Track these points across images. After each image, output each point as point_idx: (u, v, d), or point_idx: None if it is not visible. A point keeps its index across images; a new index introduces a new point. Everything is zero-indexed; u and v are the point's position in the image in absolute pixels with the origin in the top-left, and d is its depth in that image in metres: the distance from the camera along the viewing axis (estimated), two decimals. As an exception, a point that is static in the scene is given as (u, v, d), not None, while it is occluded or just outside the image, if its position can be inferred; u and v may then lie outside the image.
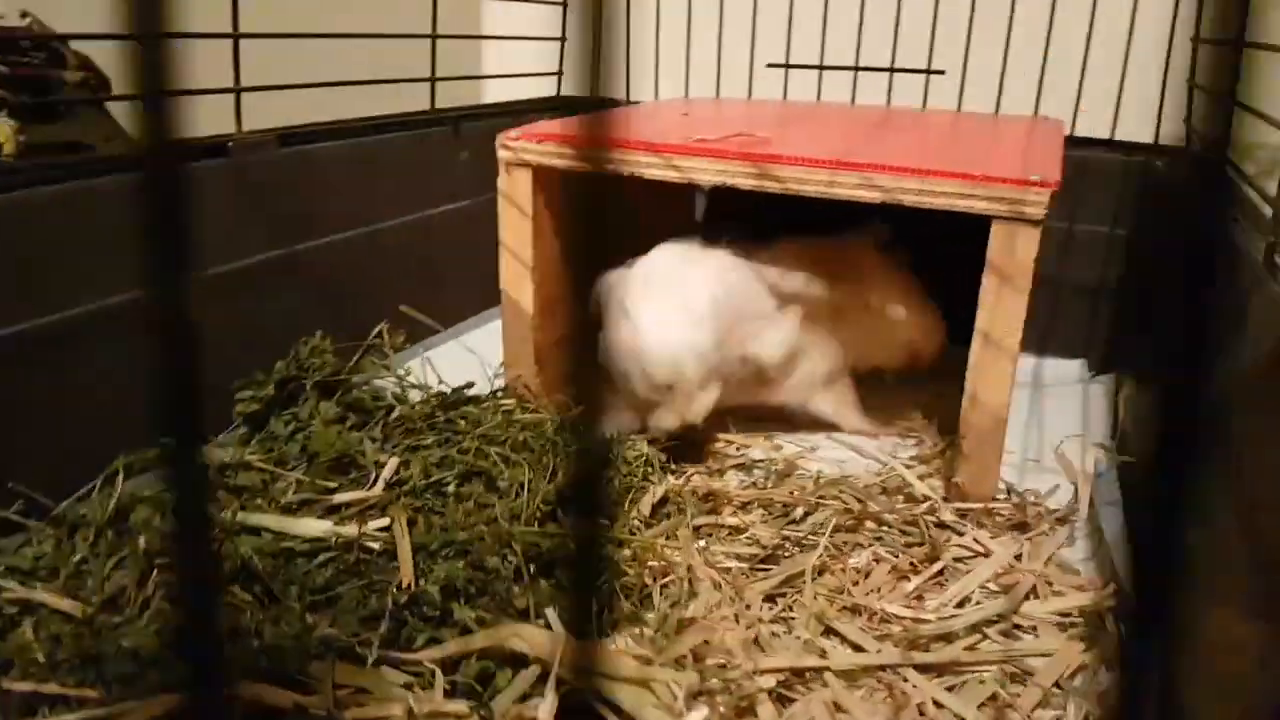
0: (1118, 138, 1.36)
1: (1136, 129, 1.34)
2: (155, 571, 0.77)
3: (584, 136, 0.97)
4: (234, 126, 1.04)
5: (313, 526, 0.85)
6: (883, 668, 0.71)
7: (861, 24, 1.46)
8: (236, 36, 1.02)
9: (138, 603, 0.74)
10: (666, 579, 0.80)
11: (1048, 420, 1.21)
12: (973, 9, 1.40)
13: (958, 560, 0.86)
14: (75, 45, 1.44)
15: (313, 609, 0.76)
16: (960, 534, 0.90)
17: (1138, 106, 1.33)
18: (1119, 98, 1.35)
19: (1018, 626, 0.78)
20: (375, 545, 0.83)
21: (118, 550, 0.79)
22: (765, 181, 0.94)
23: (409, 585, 0.78)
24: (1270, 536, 0.57)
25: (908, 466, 1.03)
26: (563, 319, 1.14)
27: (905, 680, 0.70)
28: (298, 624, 0.73)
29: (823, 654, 0.71)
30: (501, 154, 1.04)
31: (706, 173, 0.96)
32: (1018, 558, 0.86)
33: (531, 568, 0.78)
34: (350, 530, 0.84)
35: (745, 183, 0.95)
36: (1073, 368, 1.39)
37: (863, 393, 1.15)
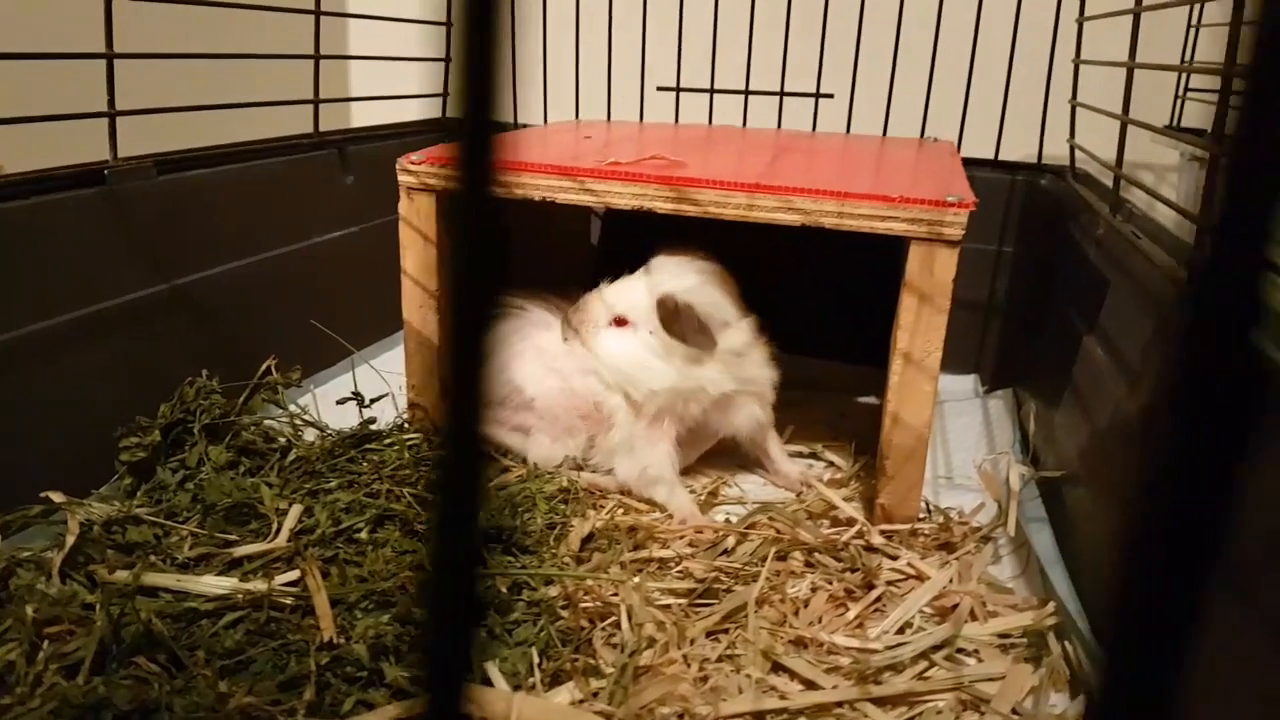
0: (1002, 157, 1.39)
1: (1020, 148, 1.38)
2: (46, 643, 0.69)
3: (494, 160, 0.91)
4: (109, 153, 0.97)
5: (215, 584, 0.79)
6: (840, 704, 0.69)
7: (750, 48, 1.46)
8: (110, 57, 0.94)
9: (29, 680, 0.66)
10: (606, 621, 0.77)
11: (950, 437, 1.23)
12: (859, 34, 1.42)
13: (892, 584, 0.85)
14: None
15: (225, 675, 0.69)
16: (891, 557, 0.89)
17: (1021, 127, 1.36)
18: (1002, 118, 1.38)
19: (960, 650, 0.77)
20: (287, 601, 0.78)
21: (1, 620, 0.71)
22: (683, 205, 0.92)
23: (331, 642, 0.72)
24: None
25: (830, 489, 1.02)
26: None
27: (865, 716, 0.68)
28: (210, 694, 0.67)
29: (781, 695, 0.68)
30: (403, 178, 0.99)
31: (622, 196, 0.94)
32: (952, 580, 0.86)
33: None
34: (258, 586, 0.78)
35: (663, 206, 0.93)
36: (966, 383, 1.42)
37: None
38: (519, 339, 1.06)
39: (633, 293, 1.00)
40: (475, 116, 0.19)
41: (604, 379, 1.01)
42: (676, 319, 0.96)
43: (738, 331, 0.99)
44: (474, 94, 0.18)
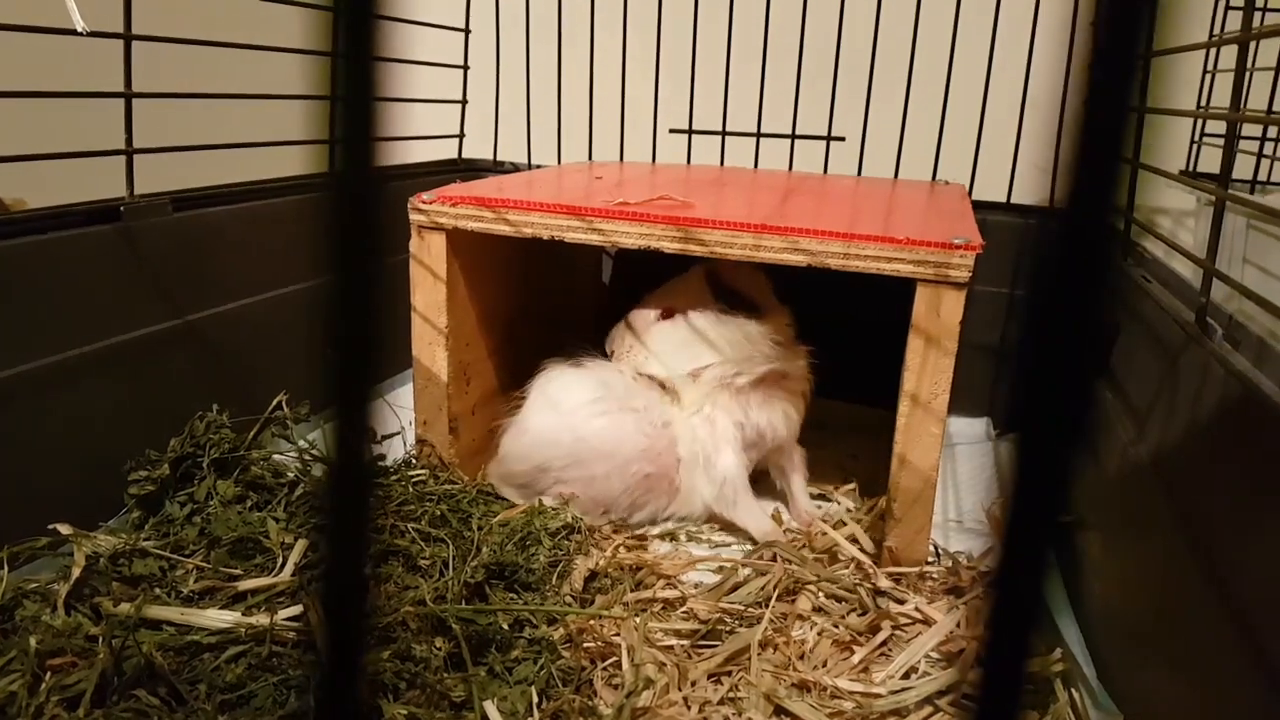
0: (1014, 201, 1.39)
1: (1035, 191, 1.38)
2: (49, 675, 0.69)
3: (502, 199, 0.95)
4: (125, 190, 0.98)
5: (218, 618, 0.79)
6: (840, 747, 0.68)
7: (762, 91, 1.48)
8: (129, 96, 0.96)
9: (30, 712, 0.66)
10: (607, 661, 0.76)
11: (962, 480, 1.22)
12: (871, 76, 1.43)
13: (898, 628, 0.85)
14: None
15: (224, 709, 0.69)
16: (898, 601, 0.88)
17: (1033, 170, 1.37)
18: (1014, 162, 1.38)
19: (966, 696, 0.76)
20: (289, 635, 0.78)
21: (4, 652, 0.71)
22: (690, 245, 0.93)
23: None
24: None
25: (835, 528, 1.02)
26: (478, 385, 1.10)
27: (865, 760, 0.67)
28: (209, 729, 0.67)
29: (781, 737, 0.68)
30: (414, 217, 1.00)
31: (630, 236, 0.94)
32: (959, 625, 0.85)
33: (464, 649, 0.73)
34: (261, 620, 0.78)
35: (670, 246, 0.93)
36: (978, 426, 1.41)
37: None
38: (543, 401, 1.04)
39: (676, 283, 1.07)
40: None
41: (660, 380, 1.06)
42: (723, 291, 1.04)
43: (779, 315, 1.06)
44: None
